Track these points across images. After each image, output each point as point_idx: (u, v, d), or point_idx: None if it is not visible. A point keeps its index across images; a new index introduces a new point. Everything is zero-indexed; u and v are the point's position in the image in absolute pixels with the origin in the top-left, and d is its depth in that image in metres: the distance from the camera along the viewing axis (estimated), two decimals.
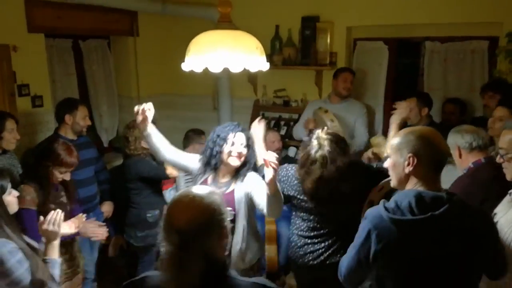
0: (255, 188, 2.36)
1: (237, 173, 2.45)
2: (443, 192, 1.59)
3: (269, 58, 4.13)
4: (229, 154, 2.38)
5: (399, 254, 1.56)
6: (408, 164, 1.61)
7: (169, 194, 4.01)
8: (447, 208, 1.51)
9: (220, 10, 2.17)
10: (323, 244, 2.45)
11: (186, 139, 4.11)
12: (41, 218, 2.02)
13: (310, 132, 3.30)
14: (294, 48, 4.30)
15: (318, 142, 2.29)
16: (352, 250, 1.69)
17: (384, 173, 2.29)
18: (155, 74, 4.78)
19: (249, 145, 2.45)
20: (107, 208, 3.41)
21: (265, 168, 2.02)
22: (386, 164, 1.75)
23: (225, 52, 2.06)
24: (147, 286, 1.34)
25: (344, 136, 3.43)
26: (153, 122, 2.59)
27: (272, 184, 2.04)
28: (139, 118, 2.40)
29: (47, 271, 1.88)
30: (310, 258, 2.46)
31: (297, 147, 3.80)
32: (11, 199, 1.97)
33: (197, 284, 1.23)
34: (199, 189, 1.35)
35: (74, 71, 4.22)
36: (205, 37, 2.14)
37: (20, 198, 2.32)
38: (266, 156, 2.01)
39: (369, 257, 1.60)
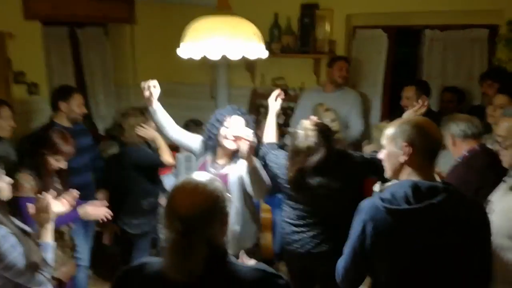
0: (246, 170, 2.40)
1: (234, 155, 2.49)
2: (439, 182, 1.58)
3: (268, 46, 4.08)
4: (225, 136, 2.43)
5: (395, 244, 1.55)
6: (403, 154, 1.59)
7: (168, 179, 4.01)
8: (444, 198, 1.50)
9: None
10: (309, 233, 2.44)
11: (186, 128, 4.09)
12: (30, 205, 2.02)
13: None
14: (293, 36, 4.26)
15: (304, 132, 2.30)
16: (347, 247, 1.67)
17: (375, 162, 2.31)
18: (152, 63, 4.74)
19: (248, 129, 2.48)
20: (102, 195, 3.40)
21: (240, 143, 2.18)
22: (381, 154, 1.74)
23: (223, 39, 2.04)
24: (147, 273, 1.33)
25: (341, 133, 3.44)
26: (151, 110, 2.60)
27: (246, 159, 2.20)
28: (146, 94, 2.51)
29: (40, 254, 1.90)
30: (297, 246, 2.47)
31: None
32: (3, 185, 1.96)
33: (200, 270, 1.22)
34: (200, 176, 1.34)
35: (70, 59, 4.20)
36: (202, 23, 2.12)
37: (19, 186, 2.35)
38: (240, 132, 2.17)
39: (364, 251, 1.58)
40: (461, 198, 1.58)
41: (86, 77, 4.41)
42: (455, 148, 2.46)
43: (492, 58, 3.63)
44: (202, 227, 1.24)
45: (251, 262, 1.64)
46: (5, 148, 2.90)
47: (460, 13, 3.78)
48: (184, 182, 1.32)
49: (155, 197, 3.39)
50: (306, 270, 2.54)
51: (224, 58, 2.08)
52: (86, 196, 3.09)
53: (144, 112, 3.23)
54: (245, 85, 4.68)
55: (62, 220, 2.46)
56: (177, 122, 4.20)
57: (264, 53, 2.23)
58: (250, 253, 2.53)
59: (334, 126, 3.41)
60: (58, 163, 2.53)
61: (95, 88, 4.47)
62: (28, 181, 2.43)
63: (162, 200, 3.67)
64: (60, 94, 3.16)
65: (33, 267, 1.84)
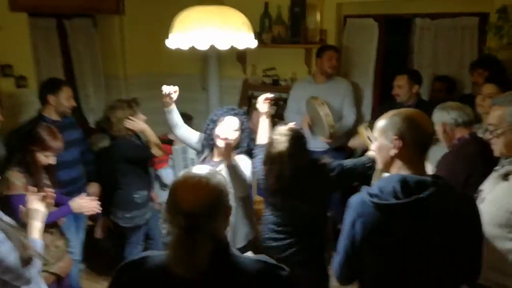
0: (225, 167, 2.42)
1: None
2: (428, 176, 1.57)
3: (258, 36, 4.07)
4: (217, 136, 2.51)
5: (384, 239, 1.55)
6: (394, 147, 1.58)
7: (166, 173, 3.99)
8: (432, 192, 1.48)
9: None
10: (286, 241, 2.40)
11: None
12: (21, 207, 2.01)
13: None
14: (284, 26, 4.23)
15: (278, 138, 2.28)
16: (340, 243, 1.67)
17: (353, 173, 2.32)
18: (142, 53, 4.68)
19: (243, 129, 2.56)
20: (93, 189, 3.38)
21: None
22: (373, 146, 1.73)
23: (212, 29, 2.01)
24: (148, 267, 1.31)
25: (335, 127, 3.43)
26: (137, 103, 2.62)
27: (224, 157, 2.32)
28: (166, 99, 2.69)
29: (31, 247, 1.88)
30: (274, 252, 2.41)
31: None
32: None
33: (205, 265, 1.22)
34: (201, 169, 1.32)
35: (58, 51, 4.13)
36: (191, 13, 2.09)
37: (10, 185, 2.34)
38: (221, 131, 2.36)
39: (355, 246, 1.58)
40: (450, 192, 1.57)
41: (75, 69, 4.34)
42: (446, 136, 2.46)
43: (483, 47, 3.63)
44: (206, 222, 1.23)
45: (248, 253, 1.64)
46: None
47: (451, 1, 3.77)
48: (186, 176, 1.29)
49: (147, 190, 3.37)
50: None
51: (213, 48, 2.06)
52: (76, 190, 3.09)
53: (131, 105, 3.20)
54: (236, 76, 4.66)
55: (54, 215, 2.45)
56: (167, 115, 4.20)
57: (253, 43, 2.21)
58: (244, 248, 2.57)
59: (328, 120, 3.40)
60: (47, 159, 2.52)
61: (85, 80, 4.41)
62: (18, 179, 2.41)
63: (154, 194, 3.66)
64: (49, 87, 3.12)
65: (23, 261, 1.82)
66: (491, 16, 3.49)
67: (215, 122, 2.56)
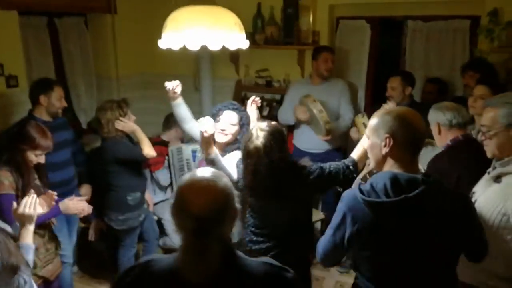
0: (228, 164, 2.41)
1: (225, 148, 2.56)
2: (420, 174, 1.57)
3: (251, 37, 4.06)
4: (217, 130, 2.51)
5: (373, 236, 1.56)
6: (385, 145, 1.59)
7: (163, 175, 3.96)
8: (422, 190, 1.48)
9: None
10: (264, 245, 2.31)
11: (168, 122, 4.04)
12: (14, 204, 1.98)
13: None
14: (277, 27, 4.23)
15: (255, 133, 2.20)
16: (328, 231, 1.68)
17: (336, 177, 2.25)
18: (134, 53, 4.66)
19: (241, 124, 2.57)
20: (85, 190, 3.35)
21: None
22: (365, 145, 1.73)
23: (203, 29, 2.00)
24: (154, 270, 1.30)
25: (331, 123, 3.42)
26: (127, 103, 2.59)
27: (204, 150, 2.34)
28: (170, 94, 2.70)
29: (20, 255, 1.83)
30: (254, 256, 2.33)
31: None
32: None
33: (215, 269, 1.22)
34: (205, 172, 1.30)
35: (50, 50, 4.09)
36: (182, 13, 2.08)
37: None
38: (203, 123, 2.29)
39: (344, 240, 1.60)
40: (441, 190, 1.57)
41: (66, 68, 4.30)
42: (440, 137, 2.47)
43: (474, 49, 3.65)
44: (215, 226, 1.22)
45: None
46: None
47: (442, 3, 3.79)
48: (192, 179, 1.27)
49: (140, 191, 3.33)
50: None
51: (204, 48, 2.05)
52: (68, 191, 3.06)
53: (121, 105, 3.16)
54: (229, 77, 4.65)
55: (44, 216, 2.42)
56: (160, 114, 4.18)
57: (245, 44, 2.20)
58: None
59: (322, 116, 3.39)
60: (37, 158, 2.49)
61: (76, 80, 4.37)
62: (6, 178, 2.38)
63: (148, 196, 3.63)
64: (40, 87, 3.08)
65: (11, 270, 1.77)
66: (482, 19, 3.52)
67: (214, 117, 2.55)
